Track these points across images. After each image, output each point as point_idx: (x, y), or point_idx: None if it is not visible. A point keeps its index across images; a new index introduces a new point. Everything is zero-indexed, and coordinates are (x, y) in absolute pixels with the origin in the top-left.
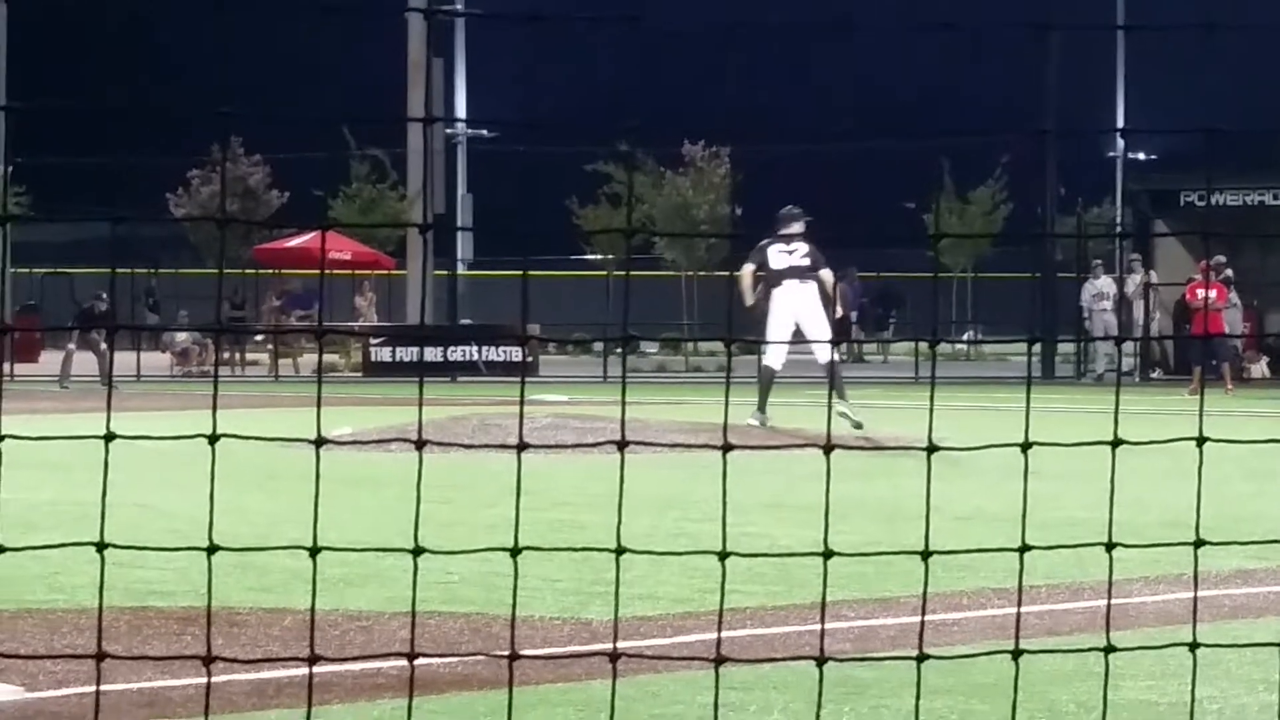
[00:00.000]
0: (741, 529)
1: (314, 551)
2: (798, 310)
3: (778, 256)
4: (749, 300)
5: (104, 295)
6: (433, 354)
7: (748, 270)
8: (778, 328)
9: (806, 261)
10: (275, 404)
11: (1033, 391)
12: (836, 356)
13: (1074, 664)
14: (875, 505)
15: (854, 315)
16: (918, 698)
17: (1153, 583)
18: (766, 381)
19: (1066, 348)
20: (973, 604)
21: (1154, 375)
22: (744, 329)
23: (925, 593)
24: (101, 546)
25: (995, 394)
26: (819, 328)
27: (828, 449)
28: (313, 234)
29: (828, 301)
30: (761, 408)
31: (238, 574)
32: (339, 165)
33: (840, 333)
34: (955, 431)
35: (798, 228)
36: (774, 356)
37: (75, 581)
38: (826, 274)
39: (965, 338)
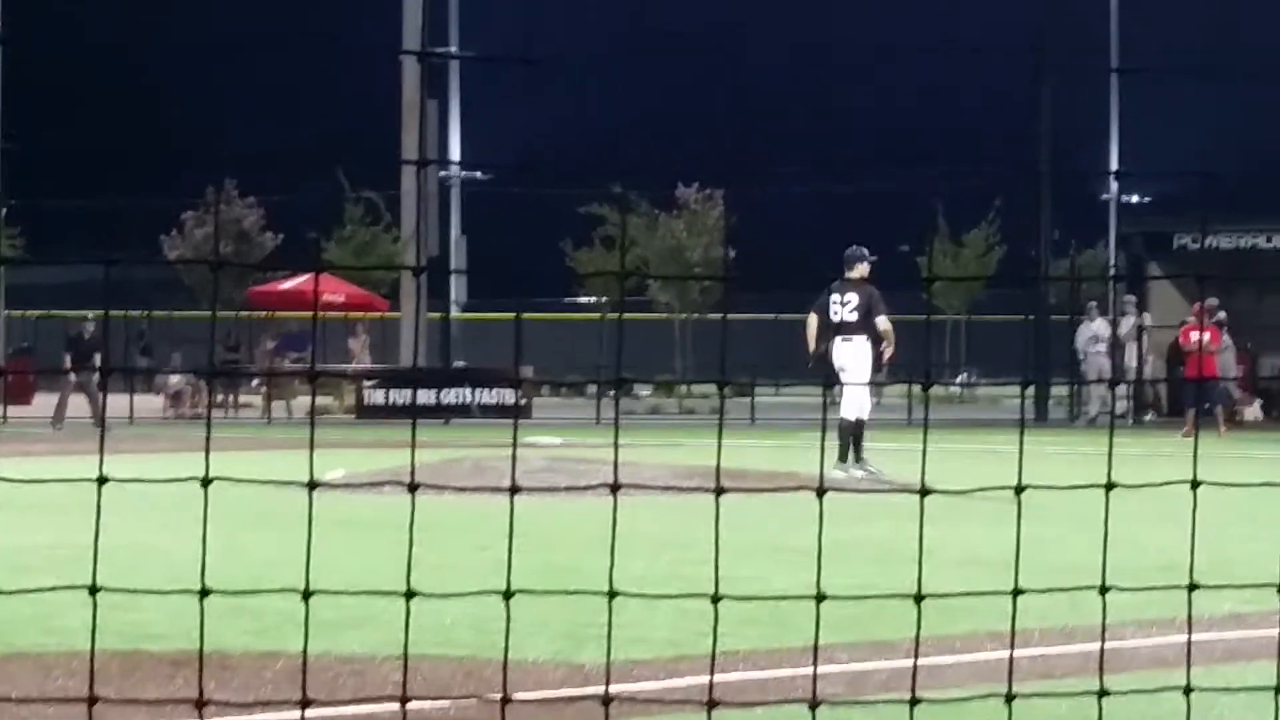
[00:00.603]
0: (735, 572)
1: (306, 595)
2: (839, 367)
3: (831, 308)
4: (812, 350)
5: (89, 315)
6: (426, 396)
7: (812, 322)
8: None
9: (854, 316)
10: (268, 446)
11: (1026, 434)
12: (858, 416)
13: (1067, 708)
14: (870, 548)
15: None
16: None
17: (1146, 626)
18: (846, 434)
19: (1060, 390)
20: (966, 647)
21: (1147, 418)
22: (736, 371)
23: (918, 636)
24: (94, 590)
25: (989, 436)
26: (851, 390)
27: (820, 491)
28: (306, 276)
29: (878, 348)
30: (842, 457)
31: (230, 617)
32: (333, 207)
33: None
34: (948, 474)
35: (861, 269)
36: (848, 408)
37: (68, 624)
38: (882, 321)
39: (959, 380)
